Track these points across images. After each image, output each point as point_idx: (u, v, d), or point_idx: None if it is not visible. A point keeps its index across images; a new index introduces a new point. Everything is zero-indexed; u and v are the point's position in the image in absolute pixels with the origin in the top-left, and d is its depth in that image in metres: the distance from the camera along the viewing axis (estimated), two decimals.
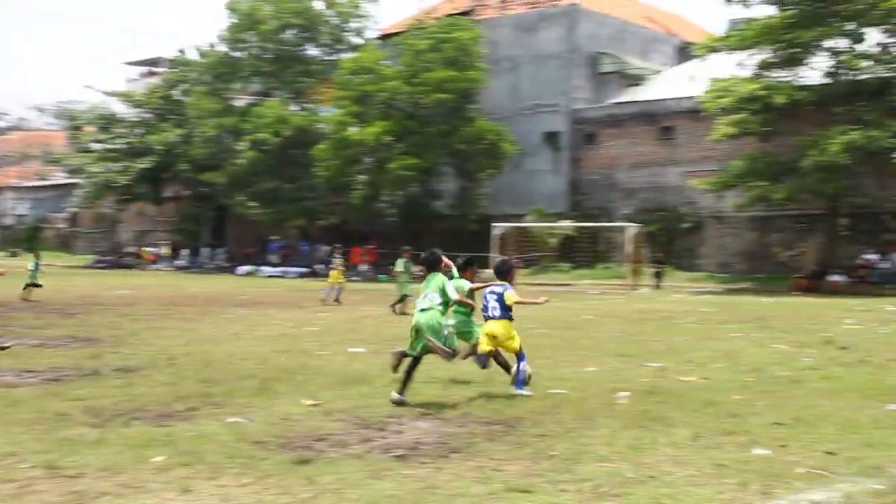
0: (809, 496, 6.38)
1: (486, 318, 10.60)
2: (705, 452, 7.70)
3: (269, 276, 47.97)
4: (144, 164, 54.55)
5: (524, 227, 42.36)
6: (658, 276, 36.58)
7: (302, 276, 47.86)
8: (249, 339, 16.68)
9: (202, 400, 10.16)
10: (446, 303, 10.22)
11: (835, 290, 32.60)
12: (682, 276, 38.42)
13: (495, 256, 38.06)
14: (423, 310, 10.21)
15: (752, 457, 7.52)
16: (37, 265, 26.99)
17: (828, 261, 34.75)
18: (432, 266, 10.61)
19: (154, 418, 9.21)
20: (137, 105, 57.42)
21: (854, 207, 35.68)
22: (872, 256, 35.07)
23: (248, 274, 49.77)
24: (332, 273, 28.17)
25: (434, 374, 12.26)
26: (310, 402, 10.06)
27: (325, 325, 19.77)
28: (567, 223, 42.03)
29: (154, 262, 56.34)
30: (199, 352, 14.56)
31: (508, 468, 7.23)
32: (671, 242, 41.09)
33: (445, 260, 11.05)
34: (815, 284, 33.61)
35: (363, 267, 46.49)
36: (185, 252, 57.22)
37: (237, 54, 52.28)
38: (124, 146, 56.76)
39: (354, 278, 44.86)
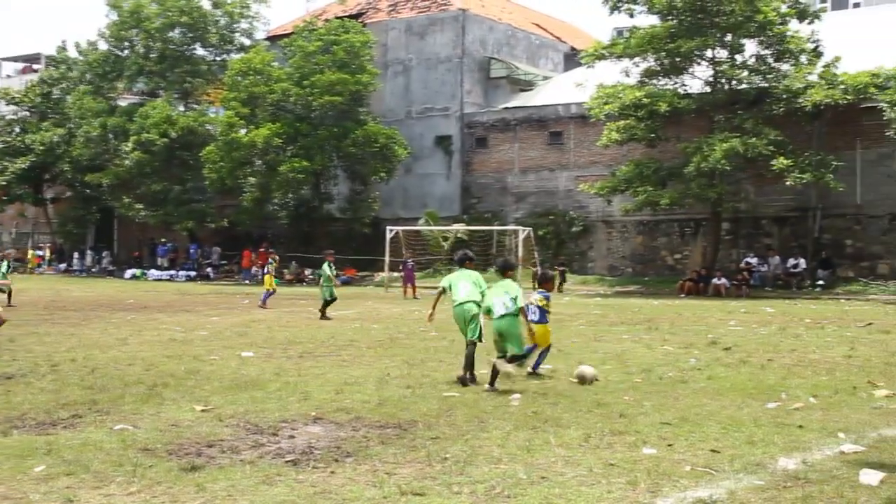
0: (695, 493, 6.54)
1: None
2: (596, 452, 7.83)
3: (157, 280, 46.98)
4: (23, 163, 52.66)
5: (417, 231, 42.45)
6: (562, 279, 36.89)
7: (191, 279, 47.01)
8: (136, 345, 16.28)
9: (87, 407, 9.87)
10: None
11: (718, 293, 33.60)
12: (573, 279, 39.03)
13: (388, 259, 38.04)
14: (502, 316, 11.17)
15: (641, 456, 7.68)
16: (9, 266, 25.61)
17: (712, 264, 35.78)
18: (504, 271, 11.71)
19: (35, 427, 8.91)
20: (14, 102, 55.42)
21: (735, 212, 36.83)
22: (753, 260, 36.26)
23: (135, 277, 48.66)
24: (265, 278, 28.30)
25: (327, 377, 12.18)
26: (200, 407, 9.88)
27: (214, 330, 19.43)
28: (459, 226, 42.26)
29: (38, 265, 54.52)
30: (84, 358, 14.14)
31: (402, 471, 7.22)
32: (561, 246, 41.72)
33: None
34: (699, 287, 34.57)
35: (254, 270, 45.86)
36: (68, 255, 55.56)
37: (121, 52, 50.92)
38: (1, 145, 54.76)
39: (245, 281, 44.30)
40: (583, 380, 11.66)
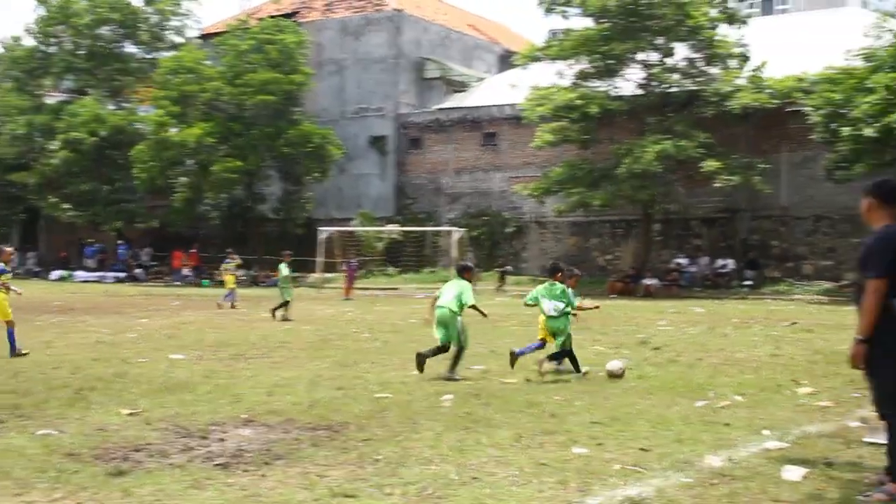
0: (624, 492, 6.61)
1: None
2: (527, 452, 7.87)
3: (85, 282, 46.09)
4: None
5: (351, 231, 42.30)
6: (502, 280, 36.96)
7: (120, 280, 46.24)
8: (63, 347, 15.96)
9: (9, 412, 9.64)
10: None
11: (649, 293, 34.04)
12: (506, 279, 39.22)
13: (322, 260, 37.85)
14: (554, 317, 12.63)
15: (572, 455, 7.74)
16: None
17: (642, 265, 36.25)
18: (554, 274, 12.88)
19: None
20: None
21: (666, 214, 37.37)
22: (683, 260, 36.84)
23: (62, 279, 47.67)
24: (226, 278, 28.12)
25: (258, 379, 12.08)
26: (128, 411, 9.71)
27: (143, 332, 19.15)
28: (393, 227, 42.21)
29: None
30: (6, 361, 13.82)
31: (333, 473, 7.18)
32: (495, 247, 41.91)
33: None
34: (630, 287, 35.00)
35: (185, 271, 45.28)
36: None
37: (48, 49, 49.88)
38: None
39: (176, 283, 43.72)
40: (612, 375, 12.26)
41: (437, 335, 12.47)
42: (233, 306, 26.67)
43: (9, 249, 15.50)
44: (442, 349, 12.47)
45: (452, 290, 12.56)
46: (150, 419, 9.29)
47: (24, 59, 49.75)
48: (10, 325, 14.68)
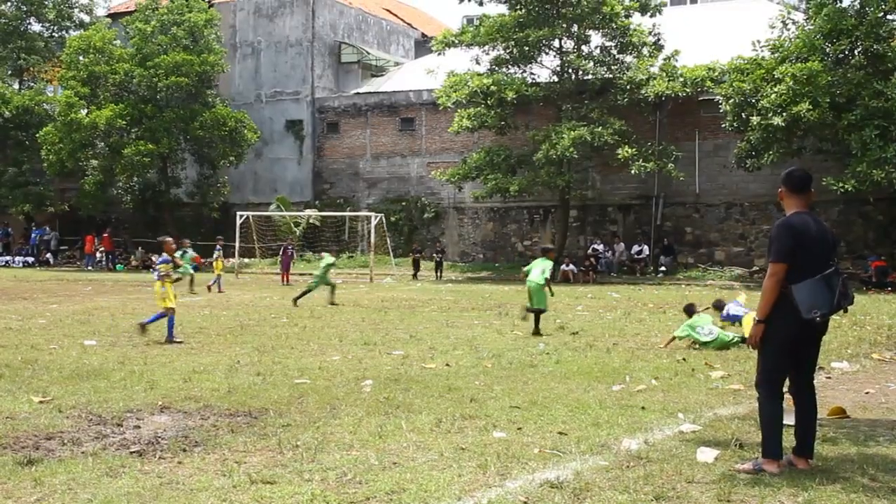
0: (543, 475, 6.69)
1: None
2: (447, 437, 7.91)
3: None
4: None
5: (268, 216, 41.85)
6: (416, 266, 36.84)
7: (29, 265, 45.04)
8: None
9: None
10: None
11: (567, 279, 34.41)
12: (425, 265, 39.29)
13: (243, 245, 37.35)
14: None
15: (491, 439, 7.80)
16: None
17: (560, 251, 36.57)
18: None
19: None
20: None
21: (583, 200, 37.76)
22: (599, 246, 37.30)
23: None
24: (215, 263, 28.74)
25: (174, 365, 11.90)
26: (38, 398, 9.48)
27: (54, 318, 18.69)
28: (311, 212, 41.87)
29: None
30: None
31: (252, 460, 7.12)
32: (413, 232, 41.89)
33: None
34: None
35: (98, 256, 44.27)
36: None
37: None
38: None
39: (88, 268, 42.77)
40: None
41: (530, 304, 16.09)
42: (220, 290, 27.37)
43: (170, 240, 16.18)
44: (539, 313, 16.00)
45: (539, 267, 16.05)
46: (62, 407, 9.09)
47: None
48: (170, 313, 14.85)
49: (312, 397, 9.69)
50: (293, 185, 44.95)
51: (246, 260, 39.39)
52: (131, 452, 7.35)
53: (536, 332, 15.75)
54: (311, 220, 41.25)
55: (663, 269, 35.61)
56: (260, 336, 15.56)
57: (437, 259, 37.01)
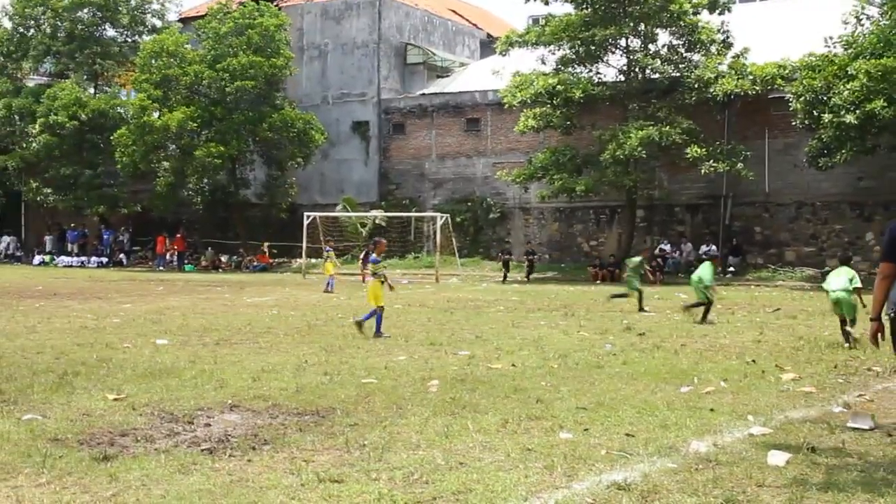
0: (610, 477, 6.65)
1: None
2: (513, 437, 7.90)
3: (68, 266, 45.89)
4: None
5: (335, 217, 42.19)
6: (506, 267, 36.27)
7: (103, 265, 46.05)
8: (46, 332, 15.88)
9: None
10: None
11: None
12: (490, 265, 39.27)
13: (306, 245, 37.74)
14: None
15: (558, 440, 7.78)
16: None
17: (626, 251, 36.25)
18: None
19: None
20: None
21: (650, 200, 37.40)
22: (666, 247, 36.91)
23: (44, 264, 47.45)
24: (326, 265, 29.69)
25: (244, 364, 12.07)
26: (112, 396, 9.69)
27: (127, 317, 19.08)
28: (377, 213, 42.12)
29: None
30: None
31: (320, 458, 7.20)
32: (479, 232, 41.89)
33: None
34: (614, 274, 35.08)
35: (168, 257, 45.10)
36: None
37: (27, 31, 49.35)
38: None
39: (160, 268, 43.58)
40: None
41: (839, 313, 14.75)
42: (331, 291, 27.57)
43: (383, 241, 17.11)
44: (850, 323, 14.54)
45: (843, 276, 14.80)
46: (135, 404, 9.28)
47: (3, 41, 49.26)
48: (380, 310, 15.47)
49: (379, 397, 9.75)
50: (359, 185, 45.25)
51: (313, 260, 39.75)
52: (202, 450, 7.47)
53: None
54: (377, 221, 41.48)
55: (732, 269, 35.09)
56: (327, 336, 15.70)
57: (530, 259, 36.63)
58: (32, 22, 49.15)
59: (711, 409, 9.11)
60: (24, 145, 47.40)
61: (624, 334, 16.12)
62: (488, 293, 27.57)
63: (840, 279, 14.72)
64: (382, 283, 15.81)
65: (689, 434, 8.01)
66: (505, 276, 35.67)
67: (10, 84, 48.52)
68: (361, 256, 33.96)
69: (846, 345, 14.12)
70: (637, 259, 22.79)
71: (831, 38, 31.04)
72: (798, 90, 30.56)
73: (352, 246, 41.73)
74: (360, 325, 15.61)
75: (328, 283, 28.31)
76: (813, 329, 17.06)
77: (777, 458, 7.09)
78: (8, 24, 49.71)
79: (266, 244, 33.32)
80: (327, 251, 31.20)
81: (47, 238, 51.09)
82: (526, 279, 35.49)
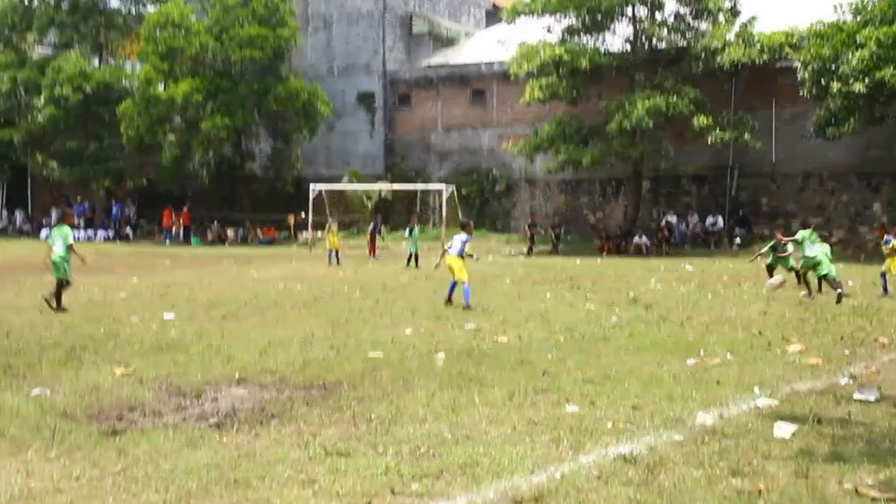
0: (617, 449, 6.67)
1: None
2: (520, 411, 7.92)
3: (75, 241, 45.82)
4: None
5: (341, 189, 42.13)
6: (532, 240, 35.90)
7: (109, 239, 46.08)
8: None
9: (2, 372, 9.65)
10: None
11: (639, 252, 34.11)
12: (496, 237, 39.22)
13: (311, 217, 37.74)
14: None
15: (564, 413, 7.80)
16: None
17: (633, 223, 36.25)
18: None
19: None
20: None
21: (656, 171, 37.30)
22: (672, 219, 36.86)
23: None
24: (329, 238, 29.84)
25: (250, 338, 12.10)
26: (120, 370, 9.73)
27: (134, 292, 19.12)
28: (383, 185, 42.07)
29: None
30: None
31: (327, 432, 7.23)
32: (485, 205, 41.82)
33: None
34: (620, 246, 35.08)
35: (175, 230, 45.11)
36: None
37: (30, 2, 49.11)
38: None
39: (166, 242, 43.62)
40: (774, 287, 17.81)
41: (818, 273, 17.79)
42: (338, 263, 27.95)
43: (471, 223, 18.06)
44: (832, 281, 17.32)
45: (819, 246, 17.91)
46: (143, 379, 9.32)
47: (6, 13, 49.01)
48: (466, 283, 16.13)
49: (386, 371, 9.78)
50: (365, 158, 45.15)
51: (319, 233, 39.71)
52: (210, 424, 7.51)
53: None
54: (383, 194, 41.42)
55: (738, 241, 35.05)
56: (333, 310, 15.72)
57: (556, 232, 36.43)
58: None
59: (717, 382, 9.12)
60: (30, 118, 47.27)
61: (630, 307, 16.13)
62: (494, 266, 27.55)
63: (816, 247, 17.77)
64: (467, 257, 16.71)
65: (695, 406, 8.03)
66: (530, 249, 35.44)
67: (14, 56, 48.33)
68: (368, 230, 33.85)
69: (810, 296, 17.61)
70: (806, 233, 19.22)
71: (840, 5, 30.79)
72: (806, 59, 30.37)
73: (357, 219, 41.69)
74: (450, 299, 16.27)
75: (330, 255, 28.58)
76: (819, 301, 17.03)
77: (783, 429, 7.10)
78: None
79: (292, 216, 33.70)
80: (330, 222, 31.38)
81: (53, 212, 51.10)
82: (554, 251, 35.25)
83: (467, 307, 15.61)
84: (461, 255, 16.47)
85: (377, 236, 33.53)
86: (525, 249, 35.33)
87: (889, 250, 18.20)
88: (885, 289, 17.98)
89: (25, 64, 48.06)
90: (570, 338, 12.26)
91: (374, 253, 32.54)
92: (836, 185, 35.06)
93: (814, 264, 17.73)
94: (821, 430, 7.23)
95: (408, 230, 28.42)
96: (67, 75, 44.54)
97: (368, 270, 25.88)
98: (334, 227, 30.54)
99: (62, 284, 15.60)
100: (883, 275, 18.25)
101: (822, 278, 18.01)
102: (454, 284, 16.27)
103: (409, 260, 27.30)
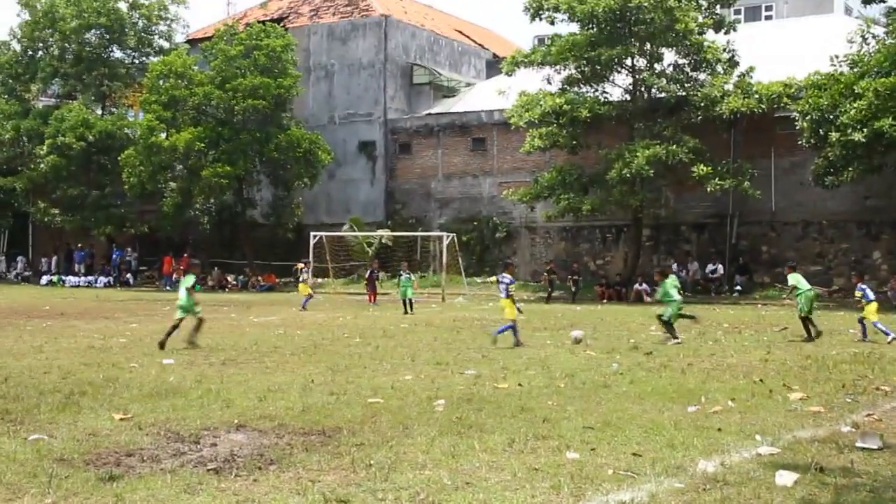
0: (617, 497, 6.63)
1: None
2: (520, 457, 7.88)
3: (75, 287, 45.97)
4: None
5: (341, 236, 42.23)
6: (551, 285, 35.61)
7: (110, 285, 46.11)
8: (53, 352, 15.90)
9: (0, 417, 9.60)
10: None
11: (640, 299, 34.09)
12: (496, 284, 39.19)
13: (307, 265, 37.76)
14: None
15: (565, 460, 7.76)
16: None
17: (633, 270, 36.26)
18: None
19: None
20: None
21: (656, 219, 37.39)
22: (673, 266, 36.83)
23: (52, 284, 47.54)
24: (300, 286, 31.53)
25: (250, 384, 12.06)
26: (119, 415, 9.69)
27: (134, 337, 19.09)
28: (383, 232, 42.17)
29: None
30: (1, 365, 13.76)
31: (326, 478, 7.19)
32: (485, 251, 41.89)
33: None
34: (621, 293, 35.05)
35: (175, 277, 45.10)
36: None
37: (35, 53, 49.64)
38: None
39: (167, 288, 43.61)
40: (577, 341, 17.60)
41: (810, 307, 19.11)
42: (304, 308, 28.71)
43: (513, 264, 19.63)
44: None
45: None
46: (141, 424, 9.27)
47: (11, 64, 49.52)
48: (513, 323, 17.46)
49: (385, 416, 9.73)
50: (366, 205, 45.32)
51: (320, 280, 39.76)
52: (208, 470, 7.47)
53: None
54: (383, 241, 41.49)
55: (738, 288, 35.04)
56: (333, 355, 15.69)
57: (575, 279, 36.15)
58: (41, 44, 49.43)
59: (719, 429, 9.08)
60: (32, 166, 47.58)
61: (631, 353, 16.08)
62: (494, 312, 27.49)
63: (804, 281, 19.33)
64: (514, 301, 17.62)
65: (696, 454, 7.98)
66: (549, 296, 35.09)
67: (18, 106, 48.75)
68: (367, 276, 33.88)
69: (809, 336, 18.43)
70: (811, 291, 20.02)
71: (837, 56, 31.10)
72: (804, 109, 30.60)
73: (358, 266, 41.72)
74: (495, 339, 17.38)
75: (305, 301, 29.45)
76: (821, 348, 17.00)
77: (785, 478, 7.06)
78: (17, 47, 49.97)
79: (302, 263, 34.34)
80: (304, 271, 32.63)
81: (54, 258, 51.21)
82: (571, 300, 34.79)
83: (517, 344, 17.00)
84: (508, 296, 17.50)
85: (376, 282, 33.55)
86: (544, 296, 35.05)
87: (860, 298, 18.85)
88: (864, 334, 18.57)
89: (29, 113, 48.53)
90: (571, 384, 12.22)
91: (373, 299, 32.53)
92: (835, 233, 35.15)
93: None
94: (823, 478, 7.18)
95: (399, 277, 28.86)
96: (70, 124, 44.93)
97: (368, 316, 25.84)
98: (306, 276, 31.88)
99: (177, 326, 17.08)
100: (861, 320, 18.86)
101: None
102: (508, 326, 17.39)
103: (404, 306, 27.36)
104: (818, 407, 10.41)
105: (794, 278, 19.68)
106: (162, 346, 16.29)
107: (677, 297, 18.72)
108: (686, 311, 19.59)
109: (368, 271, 34.29)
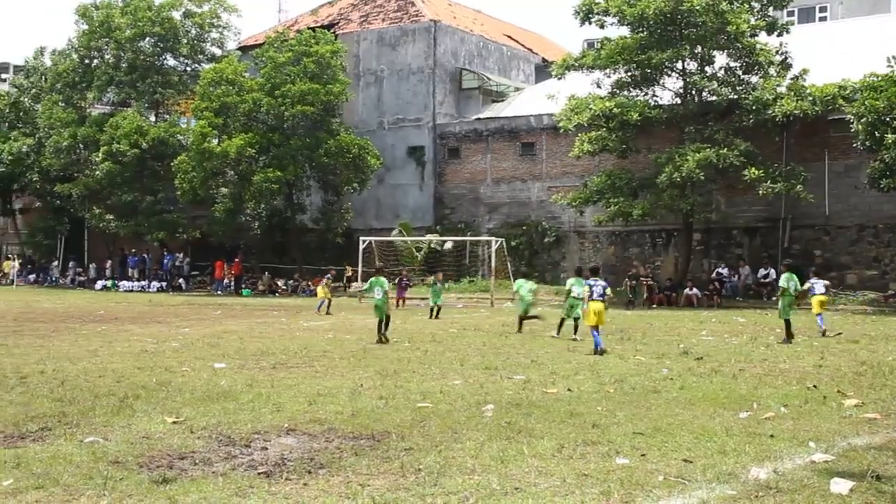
0: (668, 503, 6.56)
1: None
2: (569, 463, 7.84)
3: (129, 291, 46.66)
4: None
5: (390, 241, 42.38)
6: (633, 292, 34.82)
7: (163, 290, 46.73)
8: (107, 356, 16.14)
9: (56, 420, 9.78)
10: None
11: (690, 303, 33.77)
12: (545, 289, 39.08)
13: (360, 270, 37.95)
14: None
15: (614, 466, 7.70)
16: None
17: (683, 275, 35.93)
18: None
19: (4, 440, 8.82)
20: None
21: (706, 223, 37.03)
22: (724, 270, 36.46)
23: (106, 289, 48.30)
24: (318, 290, 32.30)
25: (300, 388, 12.14)
26: (172, 419, 9.81)
27: (186, 341, 19.31)
28: (432, 237, 42.25)
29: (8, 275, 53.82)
30: (53, 370, 14.01)
31: (375, 483, 7.21)
32: (534, 256, 41.80)
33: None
34: (671, 298, 34.73)
35: (227, 281, 45.62)
36: (38, 266, 55.08)
37: (91, 62, 50.55)
38: None
39: (218, 293, 44.10)
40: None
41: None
42: (328, 312, 29.26)
43: (598, 266, 20.44)
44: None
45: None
46: (193, 427, 9.38)
47: (68, 72, 50.45)
48: (596, 328, 17.41)
49: (434, 421, 9.74)
50: (415, 210, 45.46)
51: (364, 284, 39.87)
52: (259, 473, 7.53)
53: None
54: (432, 245, 41.57)
55: None
56: (382, 360, 15.74)
57: (650, 285, 35.38)
58: (96, 53, 50.32)
59: (771, 435, 8.96)
60: (88, 173, 48.41)
61: (681, 359, 15.94)
62: (551, 316, 27.39)
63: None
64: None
65: (748, 460, 7.89)
66: (631, 301, 34.19)
67: (75, 114, 49.64)
68: (396, 282, 33.98)
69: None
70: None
71: (894, 57, 30.57)
72: (859, 111, 30.13)
73: (407, 271, 41.82)
74: (603, 351, 16.81)
75: (325, 305, 30.12)
76: (876, 354, 16.71)
77: (840, 485, 6.95)
78: (75, 56, 50.88)
79: (349, 268, 35.55)
80: (327, 277, 33.72)
81: (108, 263, 52.02)
82: (648, 304, 34.13)
83: (599, 351, 16.76)
84: (602, 298, 17.73)
85: (407, 288, 34.71)
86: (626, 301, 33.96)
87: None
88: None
89: (85, 121, 49.37)
90: (620, 390, 12.14)
91: (401, 304, 32.77)
92: (892, 237, 34.52)
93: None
94: (880, 486, 7.05)
95: (433, 286, 28.97)
96: (124, 131, 45.67)
97: (416, 321, 25.90)
98: (329, 281, 32.80)
99: (384, 321, 19.30)
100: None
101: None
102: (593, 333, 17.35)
103: (431, 312, 27.47)
104: (874, 413, 10.23)
105: (785, 279, 20.27)
106: (385, 340, 18.88)
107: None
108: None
109: (398, 278, 34.57)
